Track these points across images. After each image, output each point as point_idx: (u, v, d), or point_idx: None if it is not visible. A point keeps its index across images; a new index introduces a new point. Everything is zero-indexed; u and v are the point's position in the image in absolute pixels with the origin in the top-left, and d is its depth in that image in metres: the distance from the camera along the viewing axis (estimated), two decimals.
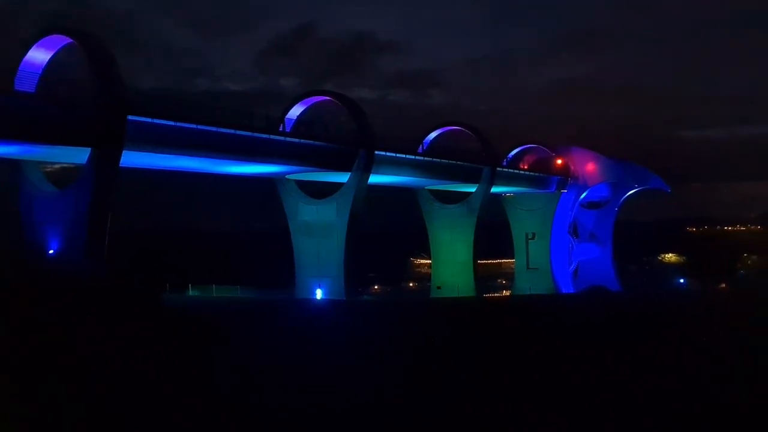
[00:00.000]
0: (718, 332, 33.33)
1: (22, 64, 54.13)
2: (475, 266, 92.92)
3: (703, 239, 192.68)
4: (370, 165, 71.99)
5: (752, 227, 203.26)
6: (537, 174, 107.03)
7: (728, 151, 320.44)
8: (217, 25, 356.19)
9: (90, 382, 20.53)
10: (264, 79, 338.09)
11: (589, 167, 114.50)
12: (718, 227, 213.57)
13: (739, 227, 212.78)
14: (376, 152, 72.82)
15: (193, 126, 56.72)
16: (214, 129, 58.43)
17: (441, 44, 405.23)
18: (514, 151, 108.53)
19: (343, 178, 72.86)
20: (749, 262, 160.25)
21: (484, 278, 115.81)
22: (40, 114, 47.54)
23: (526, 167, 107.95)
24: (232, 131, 60.01)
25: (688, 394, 20.23)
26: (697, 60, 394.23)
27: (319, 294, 72.56)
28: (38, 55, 54.72)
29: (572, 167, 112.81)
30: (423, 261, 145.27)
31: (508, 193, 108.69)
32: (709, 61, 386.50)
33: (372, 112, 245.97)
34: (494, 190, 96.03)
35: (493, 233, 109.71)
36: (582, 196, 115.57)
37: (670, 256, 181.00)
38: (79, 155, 51.57)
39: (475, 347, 28.84)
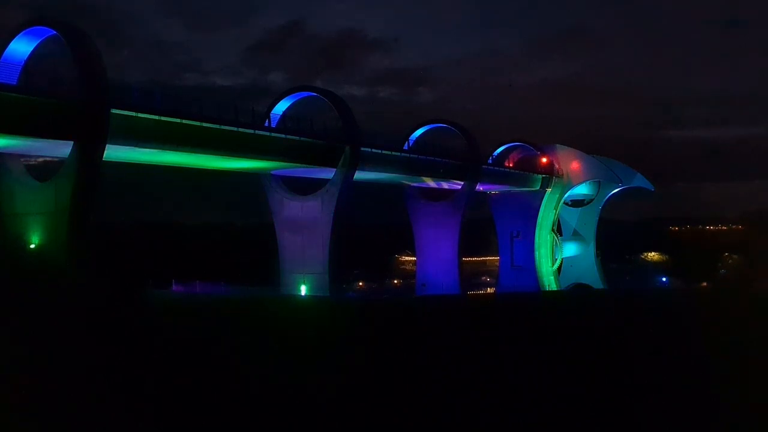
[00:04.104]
0: (700, 329, 33.53)
1: (3, 55, 53.52)
2: (460, 264, 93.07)
3: (686, 238, 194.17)
4: (355, 161, 71.82)
5: (734, 227, 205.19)
6: (522, 172, 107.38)
7: (711, 151, 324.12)
8: (207, 20, 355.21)
9: (65, 383, 20.25)
10: (253, 74, 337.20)
11: (574, 165, 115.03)
12: (701, 226, 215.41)
13: (721, 227, 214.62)
14: (362, 149, 72.69)
15: (178, 120, 56.31)
16: (198, 123, 58.05)
17: (429, 42, 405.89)
18: (500, 149, 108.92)
19: (328, 174, 72.67)
20: (730, 261, 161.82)
21: (469, 276, 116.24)
22: (21, 106, 46.93)
23: (511, 165, 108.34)
24: (216, 126, 59.67)
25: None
26: (681, 60, 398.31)
27: (303, 290, 72.37)
28: (20, 47, 54.12)
29: (557, 165, 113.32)
30: (408, 258, 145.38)
31: (493, 190, 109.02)
32: (692, 62, 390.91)
33: (360, 108, 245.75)
34: (479, 187, 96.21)
35: (478, 231, 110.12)
36: (566, 194, 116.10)
37: (652, 255, 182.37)
38: (61, 148, 51.02)
39: (472, 346, 28.83)
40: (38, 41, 54.40)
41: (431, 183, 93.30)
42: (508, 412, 18.10)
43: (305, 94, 75.89)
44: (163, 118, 55.11)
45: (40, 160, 62.38)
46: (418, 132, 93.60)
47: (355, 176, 73.21)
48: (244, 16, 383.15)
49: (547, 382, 21.27)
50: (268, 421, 17.06)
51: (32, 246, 52.35)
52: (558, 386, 20.73)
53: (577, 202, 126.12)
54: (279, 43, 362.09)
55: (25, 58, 54.47)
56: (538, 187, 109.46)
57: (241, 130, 62.11)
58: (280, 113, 73.49)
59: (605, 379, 21.89)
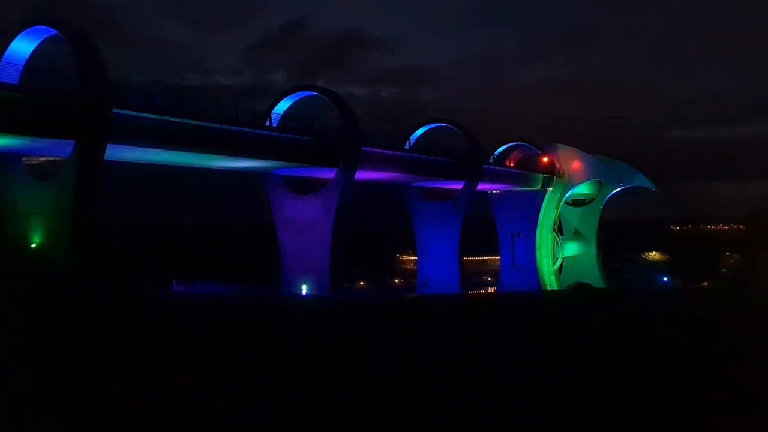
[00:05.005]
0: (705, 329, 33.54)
1: (5, 54, 53.60)
2: (461, 263, 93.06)
3: (687, 238, 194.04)
4: (356, 161, 71.81)
5: (735, 226, 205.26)
6: (523, 171, 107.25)
7: (712, 150, 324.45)
8: (208, 19, 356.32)
9: (67, 380, 20.28)
10: (254, 74, 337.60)
11: (575, 165, 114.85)
12: (702, 226, 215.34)
13: (722, 226, 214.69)
14: (363, 148, 72.67)
15: (179, 120, 56.33)
16: (199, 123, 58.08)
17: (431, 42, 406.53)
18: (501, 149, 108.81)
19: (329, 173, 72.66)
20: (731, 261, 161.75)
21: (470, 275, 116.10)
22: (23, 106, 46.97)
23: (512, 164, 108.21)
24: (217, 125, 59.69)
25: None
26: (681, 60, 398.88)
27: (304, 290, 72.40)
28: (22, 46, 54.20)
29: (558, 165, 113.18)
30: (409, 257, 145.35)
31: (494, 190, 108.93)
32: (692, 62, 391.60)
33: (362, 108, 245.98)
34: (480, 187, 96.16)
35: (479, 230, 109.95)
36: (567, 193, 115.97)
37: (654, 254, 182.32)
38: (63, 148, 51.06)
39: (472, 346, 28.82)
40: (39, 41, 54.48)
41: (432, 182, 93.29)
42: (508, 412, 18.11)
43: (306, 93, 75.86)
44: (164, 118, 55.14)
45: (42, 159, 62.46)
46: (419, 131, 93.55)
47: (356, 176, 73.20)
48: (245, 15, 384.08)
49: (547, 382, 21.27)
50: (268, 422, 17.09)
51: (33, 246, 52.42)
52: (558, 386, 20.74)
53: (578, 202, 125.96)
54: (280, 43, 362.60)
55: (27, 58, 54.57)
56: (539, 187, 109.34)
57: (242, 129, 62.13)
58: (281, 113, 73.48)
59: (605, 379, 21.90)
